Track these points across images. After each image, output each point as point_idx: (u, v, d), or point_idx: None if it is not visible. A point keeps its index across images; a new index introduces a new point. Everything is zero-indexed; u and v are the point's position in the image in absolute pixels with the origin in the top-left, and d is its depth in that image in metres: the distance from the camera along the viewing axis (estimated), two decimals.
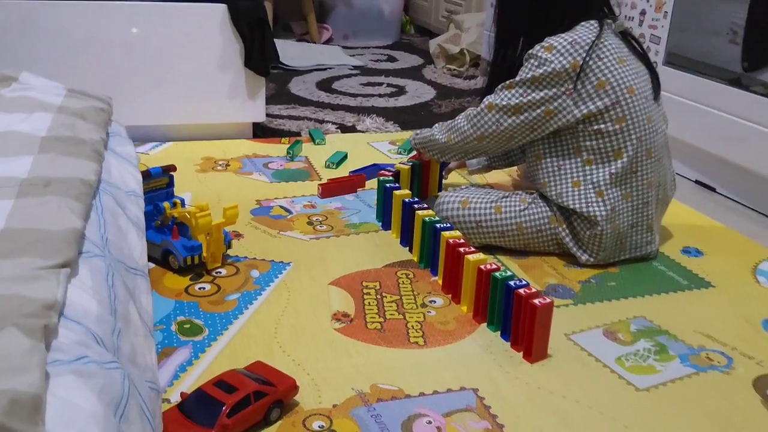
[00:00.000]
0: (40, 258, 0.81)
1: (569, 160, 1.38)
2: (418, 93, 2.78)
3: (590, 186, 1.36)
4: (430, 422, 0.96)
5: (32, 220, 0.88)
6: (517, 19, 1.45)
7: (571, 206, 1.37)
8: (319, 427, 0.94)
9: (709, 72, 1.87)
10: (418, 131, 1.60)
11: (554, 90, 1.33)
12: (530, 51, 1.35)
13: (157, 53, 1.96)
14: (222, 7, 1.95)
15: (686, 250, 1.52)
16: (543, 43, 1.34)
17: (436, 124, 1.55)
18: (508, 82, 1.37)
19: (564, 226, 1.41)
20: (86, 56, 1.90)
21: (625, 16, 2.16)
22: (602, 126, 1.34)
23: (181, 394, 0.94)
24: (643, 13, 2.09)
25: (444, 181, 1.78)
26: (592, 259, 1.41)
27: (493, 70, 1.50)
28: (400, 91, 2.80)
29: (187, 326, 1.15)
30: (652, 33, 2.05)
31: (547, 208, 1.41)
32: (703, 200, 1.86)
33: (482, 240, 1.45)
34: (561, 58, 1.31)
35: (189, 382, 1.01)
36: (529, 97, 1.34)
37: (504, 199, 1.44)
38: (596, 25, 1.35)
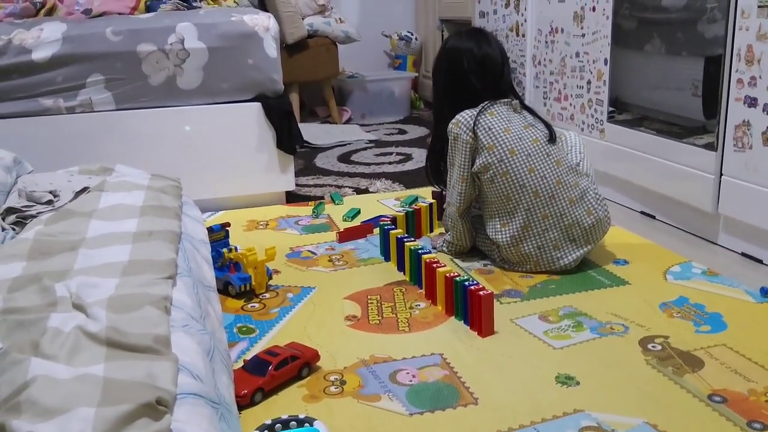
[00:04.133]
0: (154, 274, 1.32)
1: (486, 206, 1.97)
2: (422, 159, 3.30)
3: (496, 221, 1.92)
4: (408, 373, 1.44)
5: (146, 254, 1.40)
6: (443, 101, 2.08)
7: (490, 234, 1.94)
8: (334, 379, 1.43)
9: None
10: (439, 245, 2.11)
11: (467, 146, 1.92)
12: (449, 127, 1.95)
13: (209, 143, 2.53)
14: (257, 105, 2.53)
15: (616, 261, 1.99)
16: (453, 120, 1.94)
17: (438, 238, 2.16)
18: (448, 163, 1.99)
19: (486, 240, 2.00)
20: (157, 148, 2.48)
21: (577, 86, 2.68)
22: (491, 176, 1.90)
23: (243, 359, 1.45)
24: (588, 82, 2.61)
25: None
26: (498, 266, 1.97)
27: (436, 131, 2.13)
28: (407, 158, 3.34)
29: (244, 329, 1.66)
30: (597, 98, 2.57)
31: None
32: (644, 226, 2.33)
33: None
34: (464, 128, 1.92)
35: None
36: (459, 160, 1.94)
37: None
38: (487, 104, 1.95)
